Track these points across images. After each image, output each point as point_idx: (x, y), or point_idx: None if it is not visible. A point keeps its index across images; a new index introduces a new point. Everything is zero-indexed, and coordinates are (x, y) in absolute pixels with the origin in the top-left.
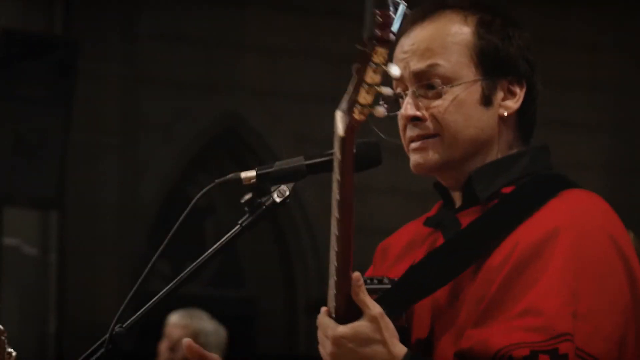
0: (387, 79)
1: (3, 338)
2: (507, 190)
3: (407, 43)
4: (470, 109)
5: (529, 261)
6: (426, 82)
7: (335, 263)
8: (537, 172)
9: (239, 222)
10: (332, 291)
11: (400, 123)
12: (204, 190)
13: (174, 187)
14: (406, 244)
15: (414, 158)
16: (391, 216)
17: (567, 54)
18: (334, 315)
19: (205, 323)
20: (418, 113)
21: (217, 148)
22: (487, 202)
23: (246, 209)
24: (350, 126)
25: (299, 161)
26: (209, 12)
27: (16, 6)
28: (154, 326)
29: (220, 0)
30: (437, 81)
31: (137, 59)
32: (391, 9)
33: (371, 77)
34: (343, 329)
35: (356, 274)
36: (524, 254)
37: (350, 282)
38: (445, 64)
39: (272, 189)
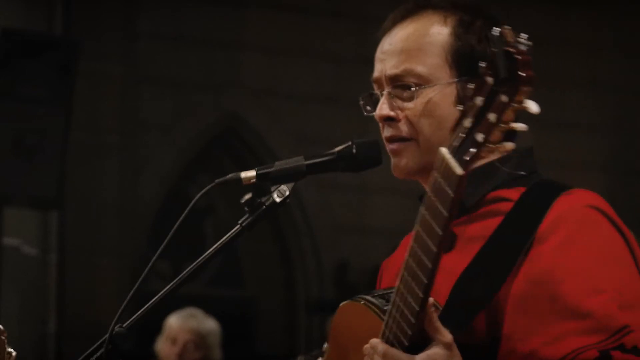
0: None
1: (3, 338)
2: (503, 194)
3: (386, 43)
4: (445, 111)
5: (558, 263)
6: (400, 83)
7: (422, 295)
8: (523, 176)
9: (239, 222)
10: (401, 321)
11: (380, 124)
12: (204, 190)
13: (174, 187)
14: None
15: (393, 161)
16: (391, 216)
17: (567, 54)
18: (406, 343)
19: (208, 323)
20: (392, 113)
21: (217, 148)
22: (474, 209)
23: (246, 209)
24: (472, 164)
25: (299, 161)
26: (209, 12)
27: (16, 6)
28: (153, 326)
29: (220, 0)
30: (412, 82)
31: (137, 59)
32: (519, 46)
33: (508, 116)
34: (420, 358)
35: (432, 301)
36: (552, 258)
37: (425, 312)
38: (419, 67)
39: (272, 189)
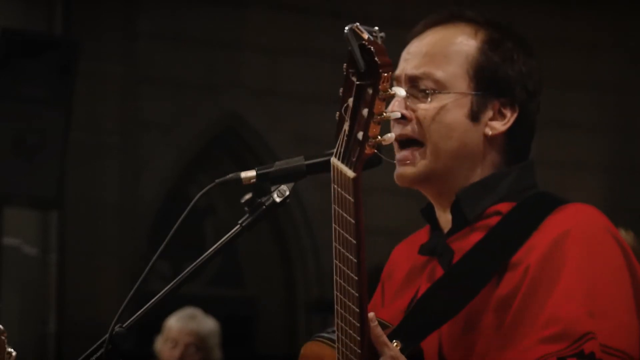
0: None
1: (3, 338)
2: (500, 208)
3: (414, 44)
4: (455, 120)
5: (542, 276)
6: (417, 84)
7: (357, 309)
8: (522, 190)
9: (239, 222)
10: (349, 342)
11: (391, 122)
12: (204, 190)
13: (174, 187)
14: (405, 276)
15: (398, 169)
16: (391, 216)
17: (567, 54)
18: None
19: (208, 324)
20: (404, 111)
21: (217, 148)
22: (474, 222)
23: (246, 209)
24: (361, 164)
25: (299, 161)
26: (209, 12)
27: (16, 6)
28: (153, 326)
29: (220, 0)
30: (429, 85)
31: (137, 59)
32: (371, 37)
33: (378, 107)
34: None
35: (371, 315)
36: (536, 271)
37: (368, 326)
38: (438, 72)
39: (272, 189)
